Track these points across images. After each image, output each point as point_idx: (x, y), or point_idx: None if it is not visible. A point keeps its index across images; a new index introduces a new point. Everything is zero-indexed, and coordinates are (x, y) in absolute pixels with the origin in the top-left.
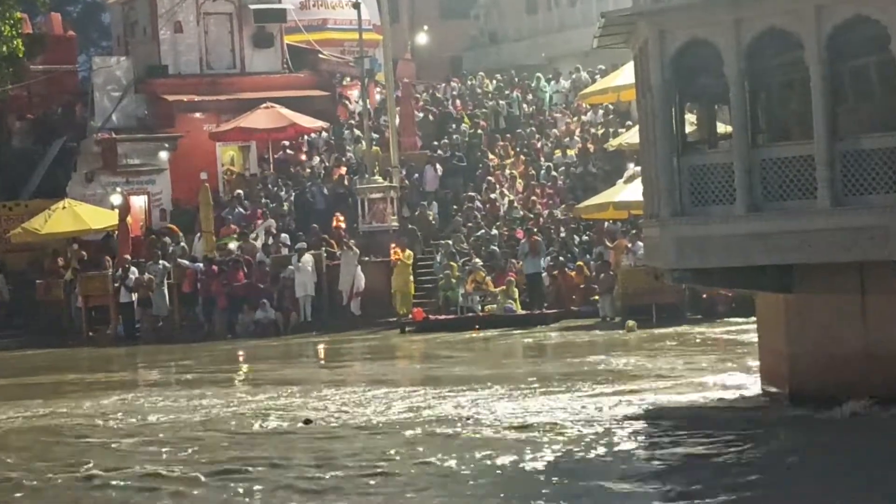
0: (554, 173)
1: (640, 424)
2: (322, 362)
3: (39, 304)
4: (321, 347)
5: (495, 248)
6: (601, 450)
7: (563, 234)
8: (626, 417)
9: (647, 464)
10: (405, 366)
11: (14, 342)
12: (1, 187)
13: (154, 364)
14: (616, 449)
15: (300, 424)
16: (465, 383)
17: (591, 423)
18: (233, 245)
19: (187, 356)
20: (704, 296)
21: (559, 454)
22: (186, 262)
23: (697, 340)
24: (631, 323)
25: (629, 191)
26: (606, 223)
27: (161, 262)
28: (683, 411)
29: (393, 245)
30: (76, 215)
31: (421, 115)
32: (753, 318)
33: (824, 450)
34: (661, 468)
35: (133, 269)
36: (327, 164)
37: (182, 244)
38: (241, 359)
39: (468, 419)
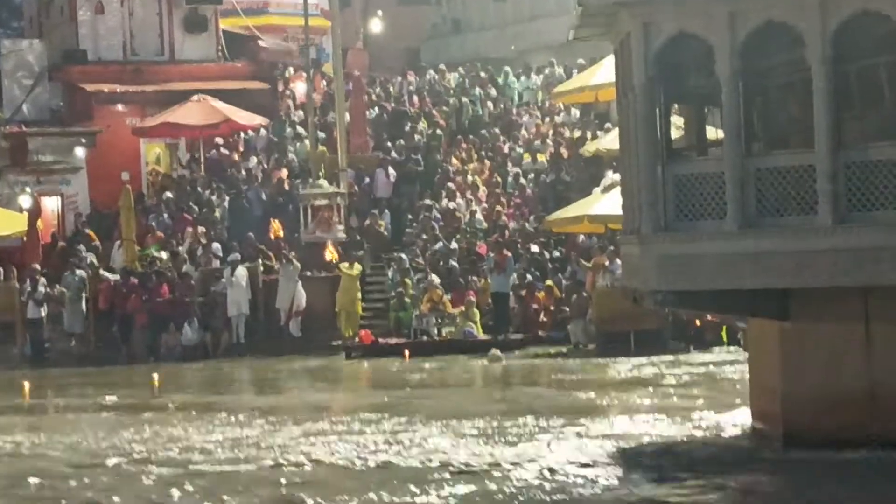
0: (522, 181)
1: (603, 465)
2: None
3: None
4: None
5: (454, 263)
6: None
7: (532, 250)
8: (589, 458)
9: None
10: (345, 397)
11: None
12: None
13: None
14: (575, 493)
15: None
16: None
17: (550, 464)
18: (160, 254)
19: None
20: (698, 322)
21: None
22: (107, 274)
23: (680, 372)
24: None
25: (606, 202)
26: (580, 238)
27: (78, 271)
28: (659, 450)
29: (334, 256)
30: None
31: (376, 111)
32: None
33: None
34: None
35: (43, 280)
36: (266, 165)
37: (99, 252)
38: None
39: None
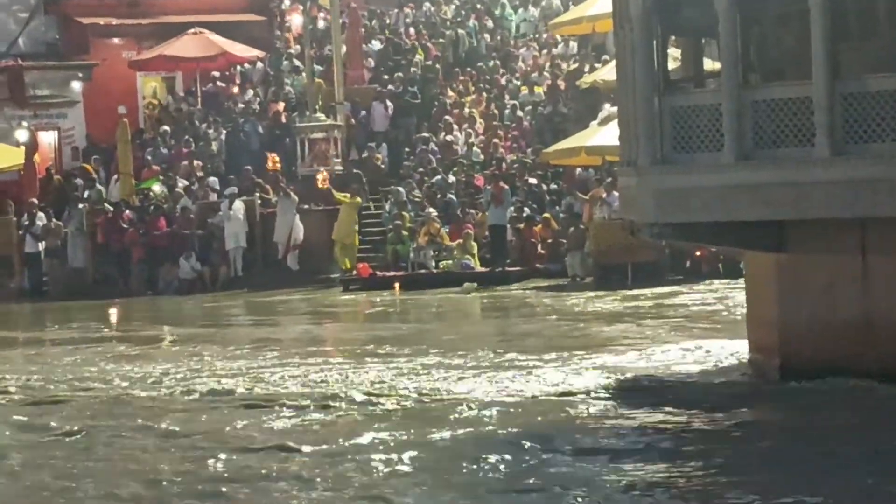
0: (519, 113)
1: (604, 396)
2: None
3: None
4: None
5: (452, 196)
6: (562, 423)
7: (529, 183)
8: (590, 389)
9: (602, 440)
10: (341, 328)
11: None
12: None
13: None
14: (575, 423)
15: None
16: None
17: (555, 394)
18: (157, 188)
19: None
20: (697, 254)
21: (510, 427)
22: (109, 206)
23: (677, 304)
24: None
25: (604, 134)
26: (578, 170)
27: (80, 205)
28: (656, 382)
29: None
30: None
31: (375, 44)
32: (741, 281)
33: (808, 430)
34: (615, 444)
35: (41, 214)
36: (262, 98)
37: (98, 187)
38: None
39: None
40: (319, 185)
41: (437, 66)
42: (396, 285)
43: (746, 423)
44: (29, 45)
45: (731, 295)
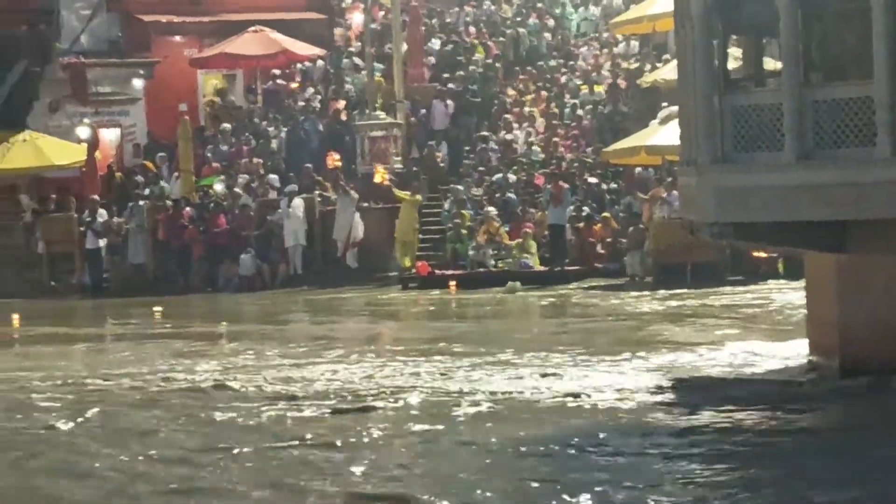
0: (579, 112)
1: (665, 396)
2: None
3: None
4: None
5: (511, 195)
6: (622, 423)
7: (589, 182)
8: (650, 389)
9: (662, 439)
10: (401, 326)
11: None
12: None
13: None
14: (634, 422)
15: None
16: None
17: (615, 394)
18: (219, 186)
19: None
20: (757, 254)
21: (567, 427)
22: (170, 203)
23: (736, 304)
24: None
25: (664, 133)
26: (637, 170)
27: (140, 202)
28: (716, 382)
29: (384, 178)
30: (38, 149)
31: (439, 42)
32: (802, 281)
33: (868, 430)
34: (675, 443)
35: (102, 211)
36: (323, 96)
37: (162, 183)
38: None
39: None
40: (377, 181)
41: (498, 64)
42: (452, 284)
43: (808, 424)
44: (91, 43)
45: (791, 295)
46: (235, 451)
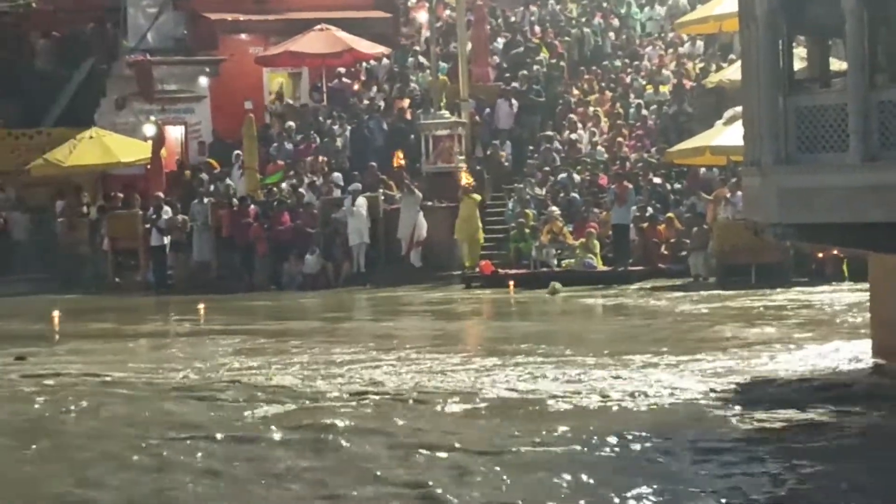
0: (644, 112)
1: (725, 397)
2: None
3: (61, 245)
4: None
5: (575, 195)
6: (684, 424)
7: (653, 182)
8: (711, 389)
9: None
10: (466, 325)
11: (30, 286)
12: (21, 113)
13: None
14: (697, 423)
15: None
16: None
17: (674, 395)
18: (284, 184)
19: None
20: (820, 255)
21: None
22: (236, 201)
23: (800, 305)
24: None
25: (728, 134)
26: (702, 170)
27: (205, 199)
28: (779, 383)
29: (469, 181)
30: (104, 146)
31: (503, 41)
32: (866, 283)
33: None
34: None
35: (166, 208)
36: (387, 95)
37: (228, 181)
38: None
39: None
40: (462, 183)
41: (562, 64)
42: (511, 283)
43: (871, 425)
44: (157, 41)
45: (855, 297)
46: None
